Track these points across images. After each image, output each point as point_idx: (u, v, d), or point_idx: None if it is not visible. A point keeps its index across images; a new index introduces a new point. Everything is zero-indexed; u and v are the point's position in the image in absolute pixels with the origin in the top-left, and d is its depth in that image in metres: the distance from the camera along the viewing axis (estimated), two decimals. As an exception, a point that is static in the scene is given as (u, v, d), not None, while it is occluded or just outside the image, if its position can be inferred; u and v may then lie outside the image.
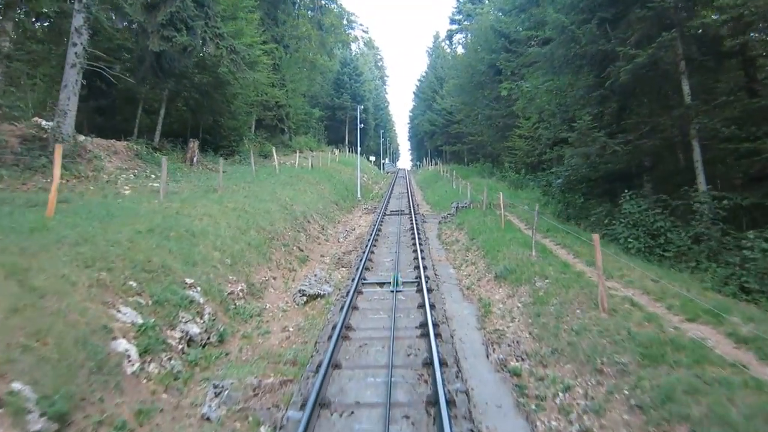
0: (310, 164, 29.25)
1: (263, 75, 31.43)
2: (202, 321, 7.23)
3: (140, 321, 6.27)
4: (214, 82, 25.20)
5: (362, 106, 64.61)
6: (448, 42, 69.28)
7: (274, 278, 10.49)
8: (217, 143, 28.60)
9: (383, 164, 71.33)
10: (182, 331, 6.78)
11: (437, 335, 6.64)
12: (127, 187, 15.18)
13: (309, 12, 47.98)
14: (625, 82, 11.62)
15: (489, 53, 34.14)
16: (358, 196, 29.36)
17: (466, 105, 42.47)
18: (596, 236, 7.23)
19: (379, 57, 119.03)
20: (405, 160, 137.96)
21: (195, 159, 22.64)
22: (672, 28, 11.33)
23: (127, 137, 21.71)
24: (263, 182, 18.32)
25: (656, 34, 11.50)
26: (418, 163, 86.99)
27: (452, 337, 7.02)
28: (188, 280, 7.64)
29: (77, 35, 17.51)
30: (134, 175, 17.15)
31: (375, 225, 17.55)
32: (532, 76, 16.81)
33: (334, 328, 6.96)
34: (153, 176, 17.95)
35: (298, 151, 39.50)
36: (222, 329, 7.50)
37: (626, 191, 12.90)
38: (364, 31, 67.57)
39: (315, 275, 11.00)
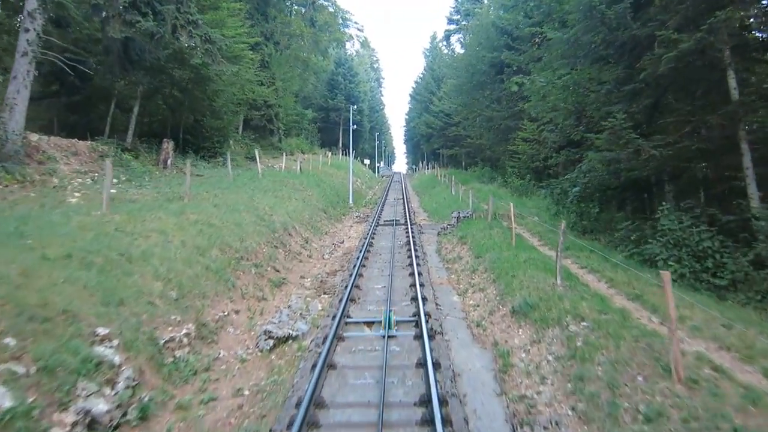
0: (298, 168, 27.20)
1: (250, 71, 29.41)
2: (113, 392, 5.13)
3: (7, 404, 4.21)
4: (195, 77, 23.15)
5: (357, 107, 62.58)
6: (445, 42, 67.46)
7: (237, 312, 8.39)
8: (199, 144, 26.50)
9: (378, 168, 69.32)
10: (79, 412, 4.70)
11: (446, 422, 4.56)
12: (77, 194, 13.09)
13: (302, 9, 45.98)
14: (665, 73, 9.64)
15: (490, 51, 32.25)
16: (350, 202, 27.29)
17: (465, 106, 40.52)
18: (666, 275, 5.20)
19: (375, 58, 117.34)
20: (401, 164, 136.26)
21: (169, 161, 20.54)
22: (722, 8, 9.35)
23: (99, 137, 19.65)
24: (241, 188, 16.23)
25: (700, 17, 9.57)
26: (414, 166, 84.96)
27: (467, 421, 4.94)
28: (101, 330, 5.54)
29: (30, 20, 15.44)
30: (92, 180, 15.03)
31: (366, 238, 15.48)
32: (545, 70, 14.83)
33: (298, 405, 4.88)
34: (115, 180, 15.86)
35: (287, 154, 37.51)
36: (147, 399, 5.41)
37: (663, 204, 10.91)
38: (359, 30, 65.52)
39: (289, 307, 8.92)
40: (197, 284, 7.98)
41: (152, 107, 26.05)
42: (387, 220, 19.87)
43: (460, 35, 60.39)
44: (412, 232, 16.21)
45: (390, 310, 7.92)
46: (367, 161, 65.15)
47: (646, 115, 11.50)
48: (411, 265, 11.44)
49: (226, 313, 8.03)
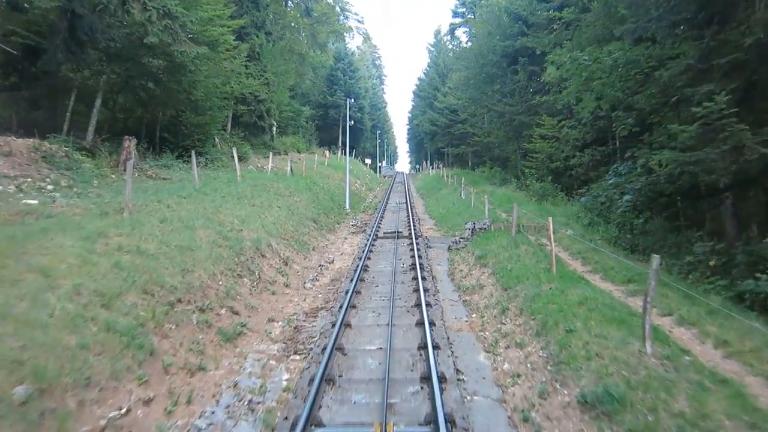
0: (288, 169, 24.17)
1: (236, 62, 26.51)
2: None
3: None
4: (168, 65, 20.25)
5: (357, 102, 59.51)
6: (450, 36, 64.17)
7: (147, 402, 5.33)
8: (178, 143, 23.48)
9: (379, 167, 66.25)
10: None
11: None
12: (-18, 207, 10.09)
13: (296, -3, 42.98)
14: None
15: (503, 39, 29.13)
16: (347, 207, 24.25)
17: (473, 101, 37.41)
18: None
19: (377, 55, 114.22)
20: (403, 163, 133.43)
21: (132, 162, 17.54)
22: None
23: (59, 135, 16.78)
24: (207, 196, 13.22)
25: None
26: (417, 166, 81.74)
27: None
28: None
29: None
30: (17, 187, 12.04)
31: (362, 258, 12.45)
32: (590, 47, 11.70)
33: None
34: (51, 187, 12.90)
35: (281, 153, 34.68)
36: None
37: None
38: (359, 22, 62.04)
39: (235, 385, 5.89)
40: (78, 363, 4.94)
41: (127, 101, 23.21)
42: (388, 232, 16.79)
43: (466, 29, 57.23)
44: (418, 250, 13.16)
45: (388, 410, 4.85)
46: (368, 161, 62.06)
47: (735, 100, 8.41)
48: (419, 306, 8.36)
49: (123, 411, 4.97)
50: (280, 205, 15.69)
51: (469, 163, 51.49)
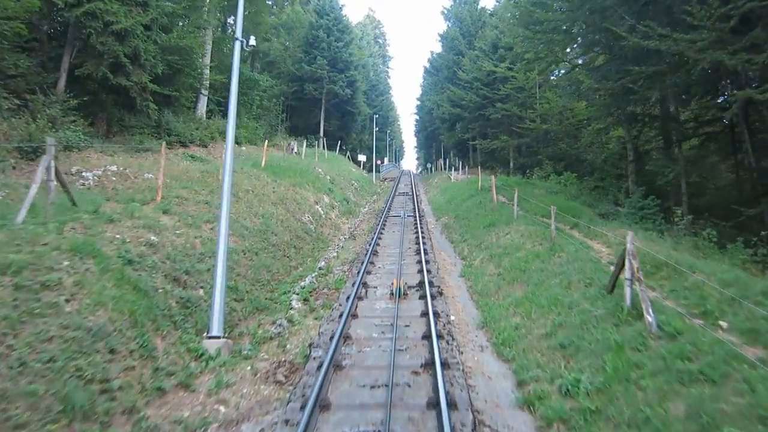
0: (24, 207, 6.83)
1: None
2: None
3: None
4: None
5: (346, 75, 42.17)
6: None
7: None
8: None
9: (378, 166, 48.56)
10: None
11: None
12: None
13: None
14: None
15: None
16: (214, 331, 6.83)
17: (543, 48, 19.52)
18: None
19: (379, 32, 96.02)
20: (410, 160, 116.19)
21: None
22: None
23: None
24: None
25: None
26: (428, 164, 63.19)
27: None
28: None
29: None
30: None
31: None
32: None
33: None
34: None
35: (187, 146, 18.01)
36: None
37: None
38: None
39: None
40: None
41: None
42: None
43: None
44: None
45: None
46: (361, 158, 44.40)
47: None
48: None
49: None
50: None
51: (511, 163, 34.01)
